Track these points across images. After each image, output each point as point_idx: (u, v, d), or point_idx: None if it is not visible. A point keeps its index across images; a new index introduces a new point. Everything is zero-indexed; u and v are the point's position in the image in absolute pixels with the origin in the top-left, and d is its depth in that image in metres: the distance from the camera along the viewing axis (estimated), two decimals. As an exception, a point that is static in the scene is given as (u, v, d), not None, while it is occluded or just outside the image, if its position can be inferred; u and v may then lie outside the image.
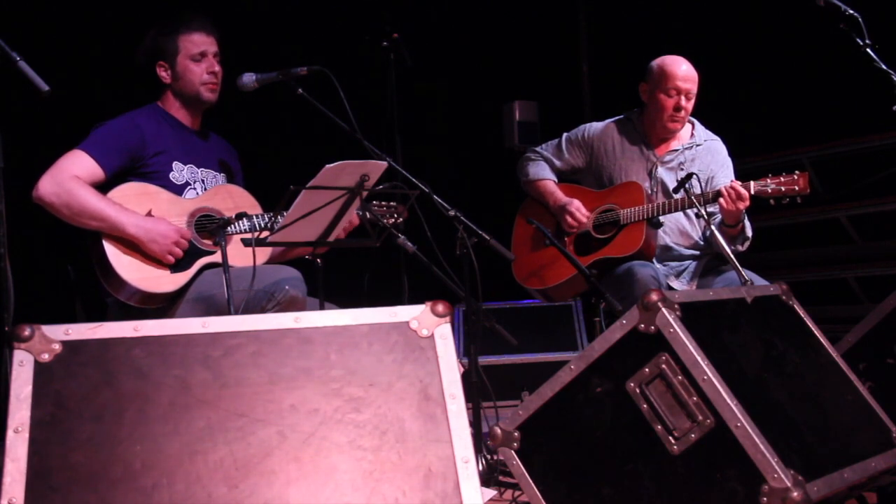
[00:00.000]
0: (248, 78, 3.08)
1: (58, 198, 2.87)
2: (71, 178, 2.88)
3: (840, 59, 3.56)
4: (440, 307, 1.79)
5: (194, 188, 3.13)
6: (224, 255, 2.70)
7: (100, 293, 2.96)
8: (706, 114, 3.76)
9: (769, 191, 3.29)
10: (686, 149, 3.67)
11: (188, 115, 3.22)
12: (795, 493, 1.80)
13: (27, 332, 1.64)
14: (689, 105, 3.59)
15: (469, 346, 3.08)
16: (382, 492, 1.61)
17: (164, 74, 3.17)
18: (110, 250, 2.89)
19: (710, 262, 3.64)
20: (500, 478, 2.85)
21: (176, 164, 3.10)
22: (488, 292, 3.09)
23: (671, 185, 3.59)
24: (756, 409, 1.92)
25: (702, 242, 3.62)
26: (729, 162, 3.70)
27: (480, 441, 2.88)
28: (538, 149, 3.86)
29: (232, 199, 3.12)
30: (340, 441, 1.65)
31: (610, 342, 2.07)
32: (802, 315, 2.43)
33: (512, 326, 3.24)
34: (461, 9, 5.72)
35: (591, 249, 3.60)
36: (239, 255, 2.91)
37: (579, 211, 3.60)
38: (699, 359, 1.94)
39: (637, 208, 3.50)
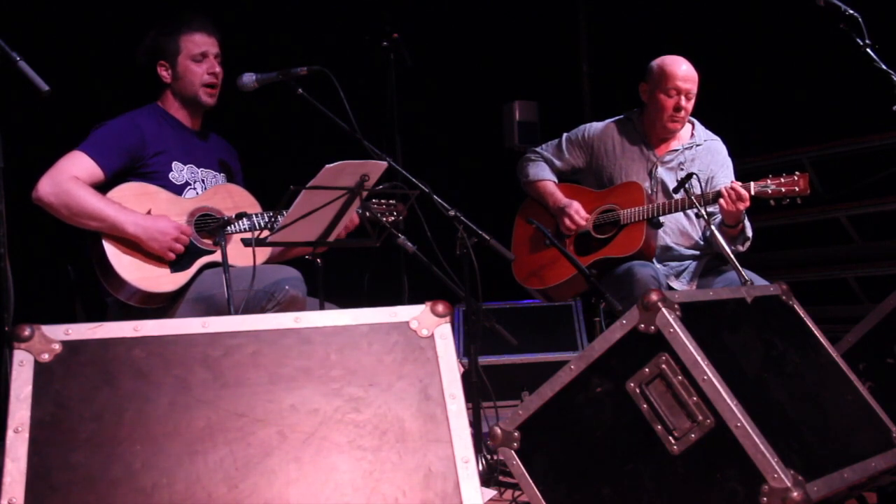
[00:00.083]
0: (248, 78, 3.08)
1: (57, 198, 2.87)
2: (70, 178, 2.88)
3: (840, 59, 3.56)
4: (440, 307, 1.79)
5: (194, 188, 3.13)
6: (224, 255, 2.70)
7: (100, 293, 2.95)
8: (706, 114, 3.76)
9: (769, 191, 3.29)
10: (686, 149, 3.67)
11: (188, 116, 3.22)
12: (795, 493, 1.80)
13: (27, 332, 1.64)
14: (689, 105, 3.59)
15: (469, 346, 3.08)
16: (382, 492, 1.61)
17: (164, 74, 3.17)
18: (110, 250, 2.89)
19: (710, 262, 3.64)
20: (500, 478, 2.84)
21: (176, 164, 3.10)
22: (488, 292, 3.09)
23: (671, 185, 3.59)
24: (756, 409, 1.92)
25: (702, 242, 3.62)
26: (729, 162, 3.70)
27: (480, 441, 2.88)
28: (538, 149, 3.86)
29: (232, 198, 3.12)
30: (340, 441, 1.65)
31: (610, 342, 2.07)
32: (802, 315, 2.43)
33: (512, 326, 3.24)
34: (461, 9, 5.72)
35: (591, 249, 3.60)
36: (239, 254, 2.91)
37: (578, 213, 3.60)
38: (699, 359, 1.94)
39: (637, 208, 3.51)
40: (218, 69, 3.18)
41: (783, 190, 3.28)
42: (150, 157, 3.05)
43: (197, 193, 3.12)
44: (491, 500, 2.70)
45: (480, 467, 2.83)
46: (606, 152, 3.70)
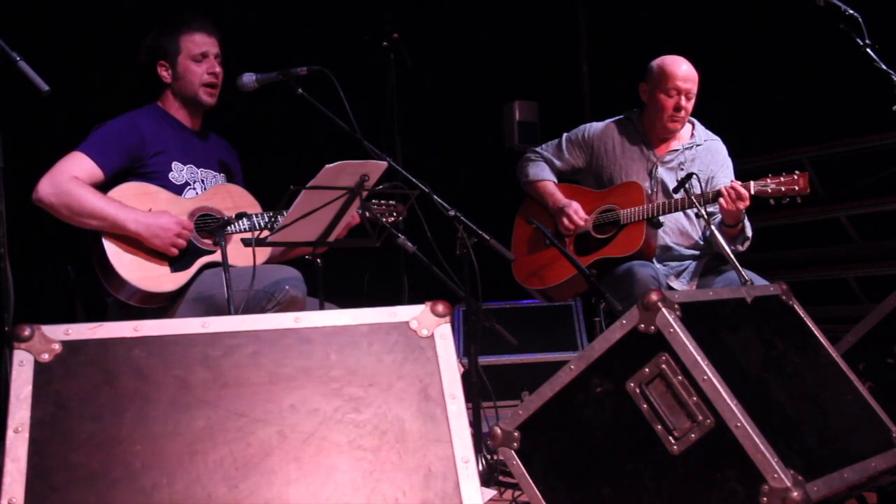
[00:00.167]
0: (248, 78, 3.08)
1: (57, 198, 2.87)
2: (70, 178, 2.89)
3: (840, 59, 3.56)
4: (440, 307, 1.79)
5: (194, 188, 3.13)
6: (224, 255, 2.70)
7: (100, 293, 2.95)
8: (706, 114, 3.76)
9: (769, 191, 3.29)
10: (686, 149, 3.67)
11: (188, 116, 3.22)
12: (795, 493, 1.80)
13: (27, 332, 1.64)
14: (690, 105, 3.59)
15: (469, 346, 3.08)
16: (382, 492, 1.61)
17: (164, 74, 3.17)
18: (111, 249, 2.89)
19: (710, 262, 3.64)
20: (500, 478, 2.84)
21: (175, 165, 3.10)
22: (488, 292, 3.09)
23: (671, 185, 3.59)
24: (756, 409, 1.92)
25: (702, 242, 3.62)
26: (729, 162, 3.70)
27: (480, 441, 2.88)
28: (538, 149, 3.86)
29: (232, 198, 3.12)
30: (340, 441, 1.65)
31: (610, 342, 2.07)
32: (802, 315, 2.43)
33: (512, 326, 3.24)
34: (461, 9, 5.72)
35: (591, 249, 3.60)
36: (239, 254, 2.91)
37: (577, 214, 3.60)
38: (699, 359, 1.94)
39: (637, 208, 3.51)
40: (218, 69, 3.18)
41: (783, 189, 3.28)
42: (150, 157, 3.05)
43: (197, 193, 3.12)
44: (491, 500, 2.70)
45: (480, 467, 2.83)
46: (606, 152, 3.70)
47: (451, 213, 2.86)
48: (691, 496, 1.93)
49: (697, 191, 3.37)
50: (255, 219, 3.01)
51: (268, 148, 4.77)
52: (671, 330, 1.98)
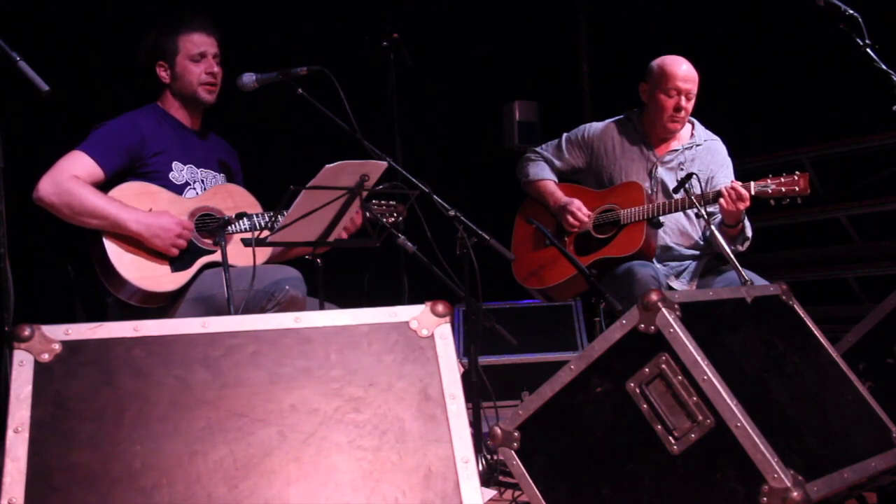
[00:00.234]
0: (248, 78, 3.08)
1: (58, 198, 2.87)
2: (70, 177, 2.89)
3: (840, 59, 3.55)
4: (440, 307, 1.79)
5: (194, 188, 3.13)
6: (224, 255, 2.71)
7: (100, 293, 2.96)
8: (706, 114, 3.76)
9: (769, 191, 3.29)
10: (686, 149, 3.67)
11: (188, 115, 3.22)
12: (795, 493, 1.80)
13: (27, 332, 1.64)
14: (690, 105, 3.59)
15: (469, 346, 3.08)
16: (382, 492, 1.61)
17: (163, 74, 3.17)
18: (111, 249, 2.89)
19: (710, 262, 3.64)
20: (500, 478, 2.84)
21: (175, 164, 3.10)
22: (488, 292, 3.09)
23: (671, 185, 3.59)
24: (756, 409, 1.92)
25: (702, 242, 3.62)
26: (729, 162, 3.70)
27: (480, 441, 2.88)
28: (538, 149, 3.86)
29: (232, 198, 3.12)
30: (340, 441, 1.65)
31: (610, 342, 2.07)
32: (802, 315, 2.43)
33: (512, 326, 3.24)
34: (461, 9, 5.72)
35: (591, 249, 3.60)
36: (239, 254, 2.91)
37: (580, 210, 3.60)
38: (699, 359, 1.94)
39: (637, 208, 3.51)
40: (216, 69, 3.18)
41: (783, 190, 3.28)
42: (150, 156, 3.05)
43: (197, 193, 3.12)
44: (491, 500, 2.70)
45: (480, 467, 2.83)
46: (606, 152, 3.70)
47: (451, 213, 2.86)
48: (691, 496, 1.93)
49: (697, 191, 3.37)
50: (255, 219, 3.01)
51: (268, 148, 4.77)
52: (671, 330, 1.98)
